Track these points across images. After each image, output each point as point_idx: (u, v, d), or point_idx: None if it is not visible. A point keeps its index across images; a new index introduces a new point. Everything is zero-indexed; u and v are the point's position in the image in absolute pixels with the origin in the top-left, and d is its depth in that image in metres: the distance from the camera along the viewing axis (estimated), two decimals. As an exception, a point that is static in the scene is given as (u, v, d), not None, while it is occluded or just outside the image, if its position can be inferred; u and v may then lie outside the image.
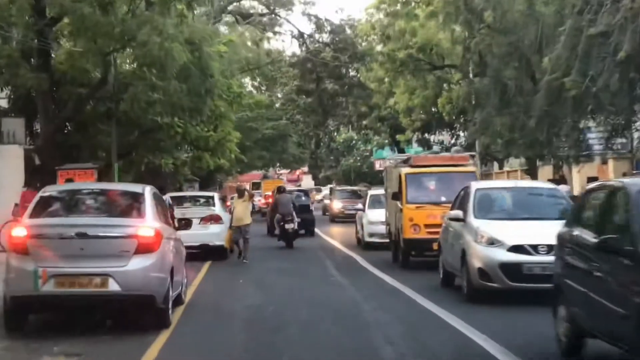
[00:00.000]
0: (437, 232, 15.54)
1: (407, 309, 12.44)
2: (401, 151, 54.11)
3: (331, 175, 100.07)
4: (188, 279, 15.70)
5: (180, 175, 36.64)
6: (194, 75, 19.60)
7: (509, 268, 11.71)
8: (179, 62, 18.73)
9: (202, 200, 22.91)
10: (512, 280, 11.73)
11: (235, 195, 20.94)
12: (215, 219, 21.19)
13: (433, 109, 43.22)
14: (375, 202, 23.10)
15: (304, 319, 11.62)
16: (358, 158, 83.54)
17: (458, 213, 12.84)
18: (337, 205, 41.47)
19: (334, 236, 30.37)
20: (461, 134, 45.50)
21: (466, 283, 12.40)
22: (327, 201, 50.65)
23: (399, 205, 17.07)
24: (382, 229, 20.78)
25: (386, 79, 41.57)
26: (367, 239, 22.71)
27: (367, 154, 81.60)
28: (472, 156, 17.73)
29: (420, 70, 39.72)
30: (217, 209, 21.71)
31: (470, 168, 17.50)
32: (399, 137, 44.65)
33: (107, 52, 20.43)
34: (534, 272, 11.53)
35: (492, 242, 12.01)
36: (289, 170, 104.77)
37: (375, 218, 22.08)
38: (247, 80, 62.15)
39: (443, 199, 16.56)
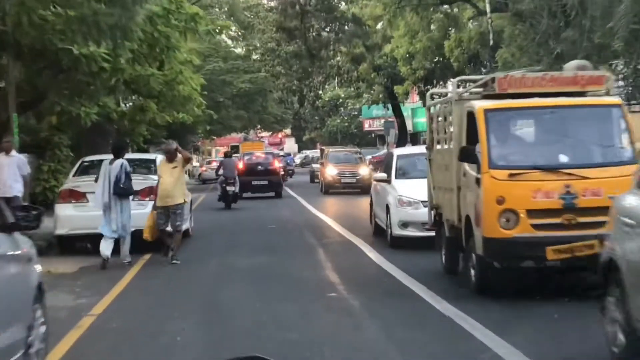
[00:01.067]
0: (554, 227, 8.48)
1: None
2: (396, 108, 47.48)
3: (316, 137, 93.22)
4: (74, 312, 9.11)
5: (136, 136, 29.71)
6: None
7: None
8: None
9: (138, 166, 16.04)
10: None
11: (163, 158, 14.11)
12: (157, 193, 14.35)
13: (436, 58, 36.57)
14: (408, 169, 14.49)
15: None
16: (345, 118, 76.63)
17: None
18: (331, 171, 32.59)
19: (329, 213, 22.99)
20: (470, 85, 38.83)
21: None
22: (315, 165, 43.37)
23: (472, 172, 9.19)
24: (424, 214, 12.50)
25: (383, 20, 34.56)
26: (398, 230, 13.68)
27: (355, 113, 74.79)
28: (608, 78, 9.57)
29: (425, 5, 32.81)
30: (160, 178, 14.88)
31: (611, 99, 9.24)
32: (396, 88, 37.76)
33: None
34: None
35: None
36: (270, 133, 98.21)
37: (411, 195, 13.44)
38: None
39: (564, 159, 8.84)
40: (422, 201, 12.91)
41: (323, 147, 44.37)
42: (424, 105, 53.43)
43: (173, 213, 13.20)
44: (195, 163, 66.04)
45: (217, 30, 18.59)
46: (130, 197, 13.55)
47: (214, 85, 46.44)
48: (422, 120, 54.70)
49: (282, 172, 46.80)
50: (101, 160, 16.71)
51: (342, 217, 21.14)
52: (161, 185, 13.24)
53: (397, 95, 39.66)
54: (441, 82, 40.30)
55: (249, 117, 64.67)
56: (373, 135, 74.48)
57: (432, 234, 11.87)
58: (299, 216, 22.52)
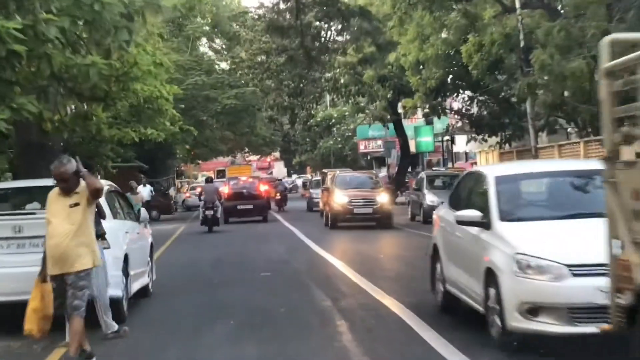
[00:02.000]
0: None
1: None
2: (398, 126, 42.61)
3: (307, 160, 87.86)
4: None
5: (100, 159, 24.52)
6: None
7: None
8: None
9: (29, 199, 10.77)
10: None
11: (53, 191, 8.70)
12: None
13: (449, 67, 31.65)
14: (520, 203, 8.35)
15: None
16: (339, 139, 71.37)
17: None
18: (340, 198, 25.50)
19: (341, 255, 17.41)
20: (480, 99, 33.92)
21: None
22: (314, 191, 37.99)
23: None
24: (573, 291, 6.65)
25: (393, 19, 29.51)
26: (518, 319, 7.05)
27: (349, 134, 69.70)
28: None
29: (441, 2, 27.92)
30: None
31: None
32: (404, 102, 32.71)
33: None
34: None
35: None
36: (258, 157, 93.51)
37: (544, 253, 6.98)
38: (203, 41, 50.17)
39: None
40: (570, 265, 6.79)
41: (325, 170, 38.65)
42: (428, 123, 48.41)
43: (72, 285, 7.48)
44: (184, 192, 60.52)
45: (187, 7, 13.22)
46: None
47: (196, 102, 41.43)
48: (426, 139, 49.69)
49: (279, 197, 43.09)
50: (19, 189, 11.71)
51: (361, 263, 15.61)
52: (51, 239, 7.68)
53: (404, 108, 34.63)
54: (455, 95, 35.45)
55: (236, 139, 59.68)
56: (369, 157, 69.41)
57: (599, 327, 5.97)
58: (299, 257, 17.35)
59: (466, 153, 53.67)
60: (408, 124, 48.28)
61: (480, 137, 34.62)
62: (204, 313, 10.68)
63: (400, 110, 38.98)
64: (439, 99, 33.23)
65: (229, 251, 19.59)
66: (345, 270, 14.44)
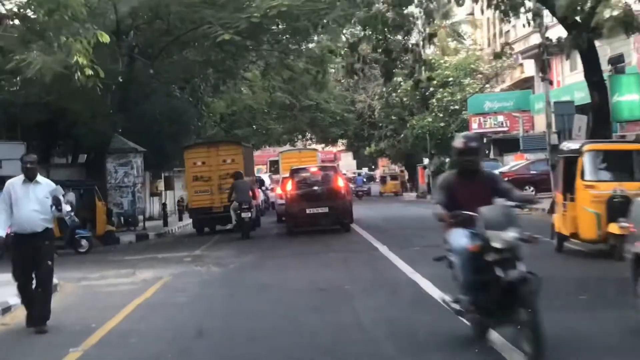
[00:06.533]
0: None
1: None
2: (592, 70, 21.88)
3: (387, 149, 65.71)
4: None
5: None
6: None
7: None
8: None
9: None
10: None
11: None
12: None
13: None
14: None
15: None
16: (440, 114, 49.62)
17: None
18: None
19: None
20: None
21: None
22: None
23: None
24: None
25: None
26: None
27: (455, 106, 48.25)
28: None
29: None
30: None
31: None
32: None
33: None
34: None
35: None
36: (322, 145, 73.15)
37: None
38: None
39: None
40: None
41: None
42: (618, 72, 26.65)
43: None
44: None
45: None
46: None
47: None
48: (629, 98, 28.00)
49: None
50: None
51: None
52: None
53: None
54: None
55: (294, 123, 39.02)
56: (485, 140, 47.61)
57: None
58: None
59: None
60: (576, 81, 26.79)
61: None
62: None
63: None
64: None
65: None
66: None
